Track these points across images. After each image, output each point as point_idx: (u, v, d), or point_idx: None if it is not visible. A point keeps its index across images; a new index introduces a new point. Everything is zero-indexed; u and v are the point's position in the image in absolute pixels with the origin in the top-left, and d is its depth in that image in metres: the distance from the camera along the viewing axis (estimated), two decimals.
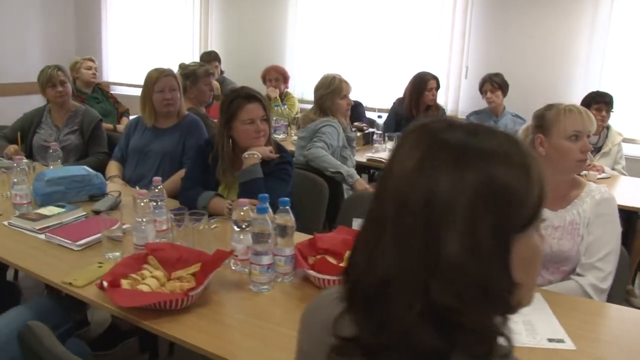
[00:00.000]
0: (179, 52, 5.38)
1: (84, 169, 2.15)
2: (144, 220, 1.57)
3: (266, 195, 1.55)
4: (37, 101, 5.77)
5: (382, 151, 3.29)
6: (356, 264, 0.69)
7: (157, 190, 1.72)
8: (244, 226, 1.54)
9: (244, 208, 1.55)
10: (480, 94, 3.57)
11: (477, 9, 4.03)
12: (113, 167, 2.62)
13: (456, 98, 4.24)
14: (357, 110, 3.93)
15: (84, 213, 1.92)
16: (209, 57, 4.43)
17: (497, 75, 3.46)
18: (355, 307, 0.66)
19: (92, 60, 3.88)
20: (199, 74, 2.99)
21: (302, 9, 4.72)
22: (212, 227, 1.70)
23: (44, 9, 5.75)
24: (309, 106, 4.28)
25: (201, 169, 2.12)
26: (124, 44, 5.74)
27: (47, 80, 2.87)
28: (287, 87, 4.28)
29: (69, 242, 1.65)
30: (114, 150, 2.73)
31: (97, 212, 1.94)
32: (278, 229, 1.46)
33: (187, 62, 4.54)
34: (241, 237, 1.54)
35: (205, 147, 2.15)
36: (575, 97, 3.83)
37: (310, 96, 4.66)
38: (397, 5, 4.31)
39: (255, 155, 2.01)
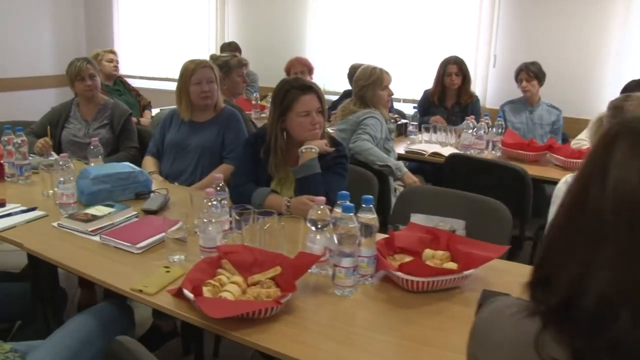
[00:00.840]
0: (194, 43, 5.25)
1: (129, 166, 2.04)
2: (212, 220, 1.47)
3: (347, 193, 1.45)
4: (48, 95, 5.69)
5: (418, 142, 3.18)
6: (556, 279, 0.61)
7: (219, 188, 1.62)
8: (320, 226, 1.44)
9: (321, 207, 1.45)
10: (516, 83, 3.46)
11: None
12: (149, 163, 2.51)
13: (484, 87, 4.13)
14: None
15: (135, 212, 1.82)
16: (230, 48, 4.31)
17: (534, 64, 3.35)
18: (568, 327, 0.58)
19: (113, 52, 3.77)
20: (232, 64, 2.87)
21: (322, 6, 4.59)
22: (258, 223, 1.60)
23: (54, 1, 5.60)
24: (332, 97, 4.21)
25: (252, 163, 2.01)
26: (136, 36, 5.59)
27: (76, 74, 2.76)
28: (311, 79, 4.16)
29: (129, 244, 1.54)
30: (148, 145, 2.62)
31: (148, 212, 1.84)
32: (362, 229, 1.36)
33: (204, 54, 4.45)
34: (317, 237, 1.45)
35: (254, 140, 2.04)
36: (607, 86, 3.74)
37: (332, 87, 4.60)
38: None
39: (313, 150, 1.91)
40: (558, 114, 3.46)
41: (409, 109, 3.92)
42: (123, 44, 5.64)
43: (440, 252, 1.53)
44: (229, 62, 2.89)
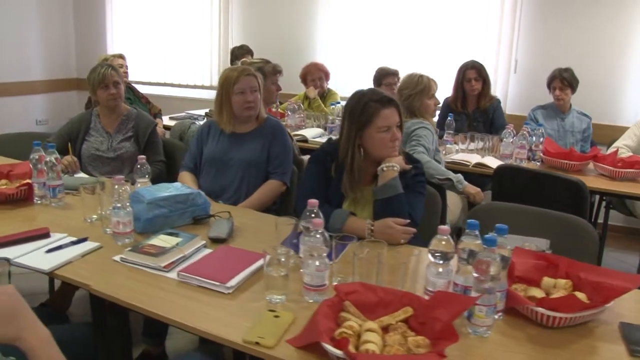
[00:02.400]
0: (195, 48, 4.99)
1: (184, 187, 1.83)
2: (320, 255, 1.29)
3: (476, 222, 1.31)
4: (36, 101, 5.32)
5: (455, 152, 3.07)
6: None
7: (313, 215, 1.44)
8: (444, 258, 1.29)
9: (445, 237, 1.30)
10: (548, 90, 3.40)
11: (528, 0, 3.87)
12: (187, 179, 2.30)
13: (504, 93, 4.06)
14: None
15: (203, 242, 1.62)
16: (241, 51, 4.10)
17: (567, 70, 3.29)
18: None
19: (123, 57, 3.51)
20: (266, 71, 2.68)
21: (335, 6, 4.42)
22: (364, 253, 1.44)
23: (41, 5, 5.25)
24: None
25: (322, 182, 1.84)
26: (132, 40, 5.28)
27: (100, 81, 2.51)
28: (327, 85, 4.00)
29: (217, 283, 1.34)
30: (185, 159, 2.40)
31: (216, 240, 1.65)
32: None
33: (206, 58, 4.22)
34: (440, 270, 1.30)
35: (324, 157, 1.87)
36: (632, 90, 3.73)
37: (345, 93, 4.42)
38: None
39: (395, 168, 1.76)
40: (588, 122, 3.42)
41: None
42: (117, 48, 5.32)
43: (562, 281, 1.40)
44: (262, 68, 2.70)
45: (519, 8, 3.88)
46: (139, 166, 1.91)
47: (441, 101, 3.83)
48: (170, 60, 5.11)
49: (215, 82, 4.98)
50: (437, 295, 1.19)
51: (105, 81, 2.51)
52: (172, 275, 1.43)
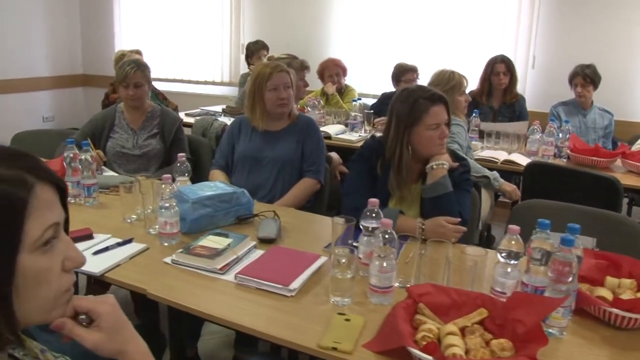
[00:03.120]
0: (205, 44, 4.91)
1: (228, 186, 1.79)
2: (387, 256, 1.26)
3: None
4: (42, 97, 5.23)
5: (480, 149, 3.04)
6: None
7: (374, 214, 1.41)
8: (513, 258, 1.26)
9: (515, 237, 1.27)
10: (570, 86, 3.38)
11: None
12: (220, 177, 2.24)
13: (522, 89, 4.01)
14: None
15: (254, 242, 1.58)
16: (257, 47, 4.03)
17: (589, 67, 3.27)
18: None
19: (140, 53, 3.44)
20: (294, 67, 2.63)
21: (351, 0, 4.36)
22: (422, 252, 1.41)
23: (48, 0, 5.15)
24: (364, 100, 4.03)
25: (368, 180, 1.80)
26: (140, 36, 5.18)
27: (122, 79, 2.45)
28: (345, 81, 3.95)
29: (279, 286, 1.30)
30: (215, 157, 2.35)
31: (265, 241, 1.60)
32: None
33: (217, 55, 4.14)
34: (509, 270, 1.26)
35: (369, 154, 1.83)
36: None
37: (361, 89, 4.37)
38: None
39: (445, 166, 1.72)
40: (610, 118, 3.40)
41: None
42: (126, 44, 5.23)
43: (626, 281, 1.38)
44: (290, 64, 2.64)
45: (537, 3, 3.85)
46: (178, 164, 1.86)
47: None
48: (181, 57, 5.03)
49: (226, 78, 4.92)
50: (514, 296, 1.16)
51: (127, 80, 2.44)
52: (228, 277, 1.39)
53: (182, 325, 1.81)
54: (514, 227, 1.28)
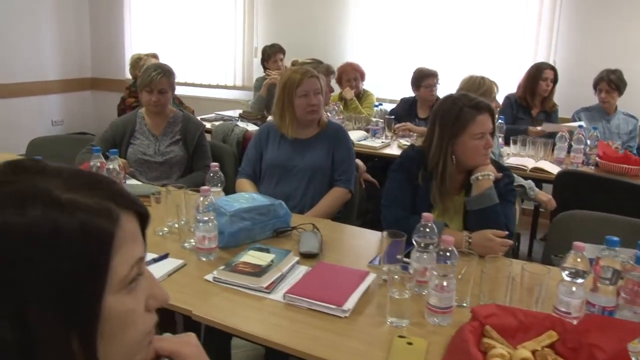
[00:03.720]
0: (218, 47, 4.84)
1: (264, 197, 1.72)
2: (449, 274, 1.19)
3: (616, 239, 1.21)
4: (51, 101, 5.16)
5: (506, 157, 2.97)
6: None
7: (428, 229, 1.34)
8: (579, 276, 1.19)
9: (580, 254, 1.20)
10: (594, 91, 3.32)
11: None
12: (248, 186, 2.18)
13: None
14: None
15: (297, 258, 1.50)
16: (273, 50, 3.96)
17: (615, 72, 3.21)
18: None
19: (156, 57, 3.37)
20: (319, 72, 2.56)
21: (366, 3, 4.29)
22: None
23: (57, 4, 5.09)
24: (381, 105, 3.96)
25: (408, 191, 1.74)
26: (151, 39, 5.10)
27: (146, 84, 2.38)
28: (363, 86, 3.89)
29: (332, 306, 1.23)
30: (242, 165, 2.28)
31: (308, 256, 1.53)
32: None
33: (229, 58, 4.08)
34: (574, 289, 1.20)
35: (409, 164, 1.77)
36: None
37: (378, 94, 4.28)
38: None
39: (491, 177, 1.66)
40: (635, 123, 3.34)
41: None
42: (135, 47, 5.17)
43: None
44: (316, 69, 2.57)
45: (557, 8, 3.79)
46: (211, 174, 1.79)
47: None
48: (193, 60, 4.96)
49: (239, 81, 4.85)
50: (588, 318, 1.10)
51: (151, 86, 2.38)
52: (275, 296, 1.31)
53: (213, 342, 1.74)
54: (579, 244, 1.21)
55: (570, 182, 2.52)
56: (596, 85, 3.28)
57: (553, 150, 2.94)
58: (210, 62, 4.89)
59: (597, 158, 2.84)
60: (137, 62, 3.31)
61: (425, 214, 1.35)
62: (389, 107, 3.97)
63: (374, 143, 3.12)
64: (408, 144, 3.10)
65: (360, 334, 1.18)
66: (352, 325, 1.21)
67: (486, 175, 1.66)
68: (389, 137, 3.29)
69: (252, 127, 3.20)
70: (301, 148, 2.19)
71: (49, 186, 0.51)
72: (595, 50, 3.72)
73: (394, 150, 3.13)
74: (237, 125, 3.11)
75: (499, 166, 1.77)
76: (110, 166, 1.82)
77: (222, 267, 1.39)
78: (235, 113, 3.90)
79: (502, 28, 3.94)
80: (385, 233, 1.41)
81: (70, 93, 5.37)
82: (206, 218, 1.47)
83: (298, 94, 2.13)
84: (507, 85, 3.83)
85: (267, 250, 1.49)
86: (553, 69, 3.38)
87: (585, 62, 3.73)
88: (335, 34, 4.48)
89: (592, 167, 2.86)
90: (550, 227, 1.97)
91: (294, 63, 2.72)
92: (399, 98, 4.09)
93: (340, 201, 2.15)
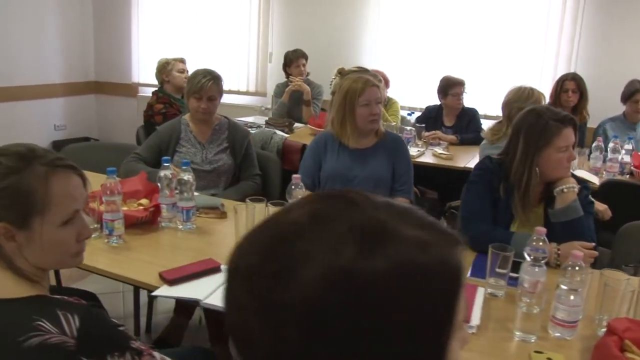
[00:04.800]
0: (231, 53, 4.76)
1: None
2: (578, 289, 1.18)
3: None
4: (54, 105, 4.98)
5: None
6: None
7: (541, 243, 1.33)
8: None
9: None
10: (623, 102, 3.38)
11: (590, 11, 3.86)
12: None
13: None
14: (474, 119, 3.64)
15: None
16: (295, 55, 3.91)
17: None
18: None
19: (183, 62, 3.29)
20: None
21: (386, 8, 4.30)
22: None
23: (60, 5, 4.93)
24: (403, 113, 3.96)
25: (489, 202, 1.73)
26: (161, 44, 4.98)
27: (196, 90, 2.31)
28: (387, 94, 3.88)
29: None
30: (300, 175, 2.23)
31: None
32: None
33: (242, 63, 3.96)
34: None
35: (489, 176, 1.76)
36: None
37: (402, 102, 4.25)
38: (498, 5, 4.03)
39: (575, 189, 1.67)
40: None
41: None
42: (143, 50, 5.05)
43: None
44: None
45: (579, 19, 3.86)
46: (293, 186, 1.74)
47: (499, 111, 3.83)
48: (204, 65, 4.84)
49: (252, 87, 4.78)
50: None
51: (201, 93, 2.31)
52: None
53: None
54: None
55: (614, 191, 2.56)
56: (630, 95, 3.32)
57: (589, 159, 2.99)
58: (223, 67, 4.77)
59: (632, 167, 2.90)
60: (164, 66, 3.22)
61: (538, 228, 1.34)
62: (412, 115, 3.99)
63: (411, 152, 3.10)
64: (444, 152, 3.11)
65: (494, 350, 1.16)
66: (482, 341, 1.19)
67: (571, 188, 1.66)
68: (420, 146, 3.29)
69: (281, 134, 3.15)
70: (361, 158, 2.17)
71: (391, 221, 0.47)
72: (616, 60, 3.81)
73: (428, 158, 3.13)
74: (275, 132, 3.05)
75: (577, 178, 1.78)
76: (185, 177, 1.74)
77: None
78: (255, 120, 3.85)
79: (523, 38, 3.98)
80: (491, 246, 1.40)
81: (73, 97, 5.20)
82: None
83: (360, 103, 2.11)
84: None
85: None
86: (575, 79, 3.39)
87: (606, 73, 3.80)
88: (353, 41, 4.47)
89: (627, 176, 2.92)
90: (615, 237, 1.99)
91: (340, 71, 2.67)
92: (419, 106, 4.12)
93: None
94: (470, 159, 3.12)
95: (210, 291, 1.33)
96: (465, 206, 1.78)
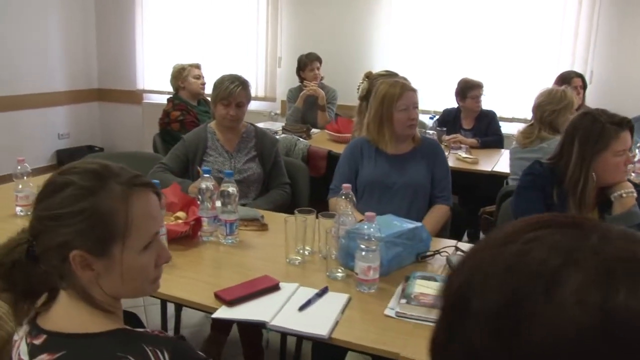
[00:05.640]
0: (239, 58, 4.67)
1: (403, 220, 1.61)
2: None
3: None
4: (58, 113, 4.84)
5: None
6: None
7: None
8: None
9: None
10: None
11: (606, 9, 3.83)
12: (344, 206, 2.06)
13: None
14: (493, 122, 3.60)
15: None
16: (309, 58, 3.84)
17: None
18: None
19: (199, 67, 3.20)
20: None
21: (397, 9, 4.24)
22: None
23: (63, 13, 4.82)
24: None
25: (543, 209, 1.68)
26: (166, 50, 4.87)
27: (224, 97, 2.23)
28: None
29: None
30: (334, 183, 2.16)
31: None
32: None
33: (251, 68, 3.88)
34: None
35: (542, 182, 1.71)
36: None
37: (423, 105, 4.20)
38: (511, 6, 4.00)
39: (634, 194, 1.62)
40: None
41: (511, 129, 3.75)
42: (148, 56, 4.94)
43: None
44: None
45: (595, 17, 3.83)
46: (343, 196, 1.67)
47: (519, 112, 3.79)
48: (212, 71, 4.73)
49: (261, 93, 4.69)
50: None
51: (229, 99, 2.22)
52: None
53: None
54: None
55: None
56: None
57: None
58: (231, 72, 4.69)
59: None
60: (180, 72, 3.13)
61: None
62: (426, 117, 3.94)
63: None
64: (469, 156, 3.06)
65: None
66: None
67: (630, 193, 1.62)
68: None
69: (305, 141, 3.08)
70: (399, 164, 2.10)
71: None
72: (633, 60, 3.80)
73: (452, 162, 3.06)
74: (299, 139, 2.98)
75: (630, 182, 1.74)
76: (230, 189, 1.66)
77: (404, 301, 1.27)
78: (265, 125, 3.76)
79: (539, 38, 3.94)
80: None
81: (77, 105, 5.07)
82: (372, 247, 1.35)
83: (398, 108, 2.04)
84: None
85: (433, 279, 1.39)
86: (580, 76, 3.38)
87: (622, 72, 3.78)
88: (364, 44, 4.40)
89: None
90: None
91: (368, 75, 2.62)
92: (433, 109, 4.07)
93: (444, 219, 2.07)
94: (495, 162, 3.08)
95: (274, 312, 1.25)
96: (519, 212, 1.72)
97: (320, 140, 3.39)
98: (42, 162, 4.84)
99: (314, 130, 3.58)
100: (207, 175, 1.78)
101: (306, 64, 3.82)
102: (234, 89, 2.22)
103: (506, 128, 3.79)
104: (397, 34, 4.26)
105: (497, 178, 2.88)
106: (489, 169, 2.95)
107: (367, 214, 1.43)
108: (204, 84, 3.20)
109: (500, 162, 3.09)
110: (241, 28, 4.64)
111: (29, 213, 1.82)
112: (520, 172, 2.57)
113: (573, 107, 2.49)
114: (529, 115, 3.98)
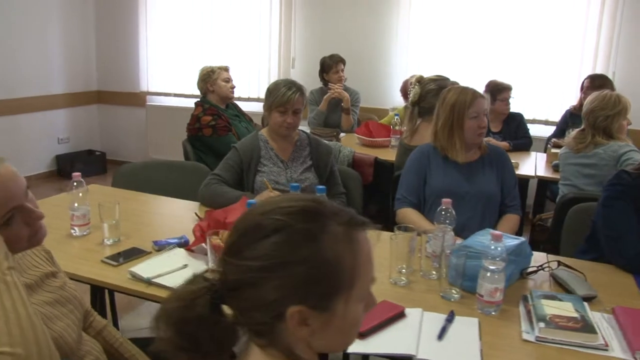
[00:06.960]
0: (250, 60, 4.54)
1: (504, 235, 1.54)
2: None
3: None
4: (57, 116, 4.59)
5: None
6: None
7: None
8: None
9: None
10: None
11: (629, 10, 3.85)
12: (415, 217, 1.98)
13: None
14: (522, 124, 3.58)
15: (584, 303, 1.35)
16: (333, 60, 3.74)
17: None
18: None
19: (227, 70, 3.05)
20: None
21: (416, 10, 4.19)
22: None
23: (63, 16, 4.58)
24: None
25: (635, 220, 1.64)
26: (170, 52, 4.72)
27: (281, 103, 2.11)
28: None
29: None
30: (401, 192, 2.08)
31: (587, 299, 1.38)
32: None
33: (264, 70, 3.78)
34: None
35: (632, 192, 1.66)
36: None
37: None
38: (534, 5, 3.99)
39: None
40: None
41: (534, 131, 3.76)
42: (152, 57, 4.75)
43: None
44: (441, 87, 2.43)
45: (618, 20, 3.85)
46: (442, 211, 1.59)
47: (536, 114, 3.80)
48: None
49: None
50: None
51: (286, 106, 2.10)
52: (616, 353, 1.16)
53: None
54: None
55: None
56: None
57: None
58: (243, 74, 4.58)
59: None
60: (209, 75, 2.97)
61: None
62: None
63: None
64: None
65: None
66: None
67: None
68: None
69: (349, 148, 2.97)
70: (468, 173, 2.04)
71: None
72: None
73: None
74: (342, 145, 2.88)
75: None
76: None
77: (543, 325, 1.20)
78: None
79: (561, 39, 3.95)
80: None
81: (76, 107, 4.85)
82: (496, 267, 1.28)
83: (469, 115, 1.98)
84: (565, 97, 3.90)
85: (557, 298, 1.33)
86: (603, 77, 3.40)
87: None
88: (380, 46, 4.35)
89: None
90: None
91: (419, 80, 2.54)
92: None
93: (516, 229, 2.02)
94: (532, 166, 3.06)
95: (414, 342, 1.16)
96: (610, 225, 1.67)
97: (349, 144, 3.30)
98: (42, 168, 4.60)
99: (341, 134, 3.49)
100: (295, 190, 1.66)
101: (330, 66, 3.72)
102: (291, 95, 2.10)
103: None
104: (417, 36, 4.22)
105: (541, 183, 2.85)
106: (532, 174, 2.92)
107: (492, 232, 1.35)
108: (233, 87, 3.06)
109: (540, 166, 3.08)
110: (254, 29, 4.52)
111: (85, 233, 1.73)
112: (573, 177, 2.56)
113: (627, 112, 2.48)
114: (551, 116, 4.04)
